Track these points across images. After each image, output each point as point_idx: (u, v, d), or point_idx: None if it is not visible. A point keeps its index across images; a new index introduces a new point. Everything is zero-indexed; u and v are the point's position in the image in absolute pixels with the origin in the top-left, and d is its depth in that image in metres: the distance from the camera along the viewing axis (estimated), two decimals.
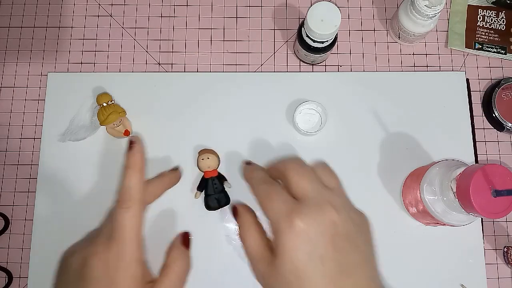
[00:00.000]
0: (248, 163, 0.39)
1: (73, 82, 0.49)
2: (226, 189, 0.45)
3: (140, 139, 0.37)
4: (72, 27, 0.52)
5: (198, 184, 0.45)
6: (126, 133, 0.46)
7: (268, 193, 0.33)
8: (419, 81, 0.49)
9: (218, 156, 0.46)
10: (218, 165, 0.46)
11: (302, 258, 0.29)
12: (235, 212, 0.36)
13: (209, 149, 0.46)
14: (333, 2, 0.49)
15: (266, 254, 0.32)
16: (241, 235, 0.34)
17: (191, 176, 0.46)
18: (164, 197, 0.46)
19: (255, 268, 0.33)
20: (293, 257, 0.29)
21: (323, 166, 0.36)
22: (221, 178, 0.45)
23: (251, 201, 0.46)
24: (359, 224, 0.32)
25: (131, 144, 0.36)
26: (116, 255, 0.32)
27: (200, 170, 0.45)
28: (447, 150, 0.47)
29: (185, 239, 0.36)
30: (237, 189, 0.46)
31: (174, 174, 0.40)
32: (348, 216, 0.32)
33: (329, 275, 0.29)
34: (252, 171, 0.37)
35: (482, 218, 0.46)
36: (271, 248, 0.32)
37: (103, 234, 0.34)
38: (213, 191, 0.44)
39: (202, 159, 0.45)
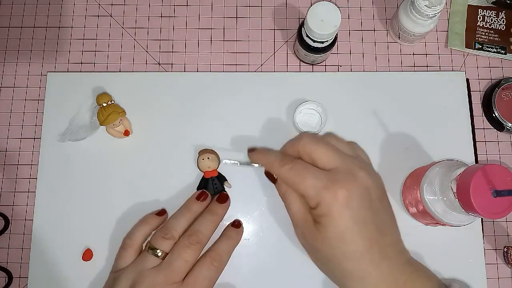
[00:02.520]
0: (252, 149, 0.41)
1: (73, 82, 0.49)
2: (226, 189, 0.45)
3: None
4: (72, 27, 0.52)
5: (198, 184, 0.45)
6: (126, 133, 0.46)
7: (298, 173, 0.36)
8: (419, 81, 0.49)
9: (218, 156, 0.46)
10: (219, 165, 0.46)
11: (347, 223, 0.33)
12: (272, 178, 0.39)
13: (209, 149, 0.46)
14: (333, 2, 0.49)
15: (309, 218, 0.35)
16: (285, 203, 0.38)
17: (190, 176, 0.46)
18: (163, 196, 0.46)
19: (299, 231, 0.37)
20: (338, 223, 0.33)
21: (334, 136, 0.40)
22: (221, 178, 0.45)
23: (250, 202, 0.46)
24: (382, 187, 0.37)
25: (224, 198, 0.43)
26: None
27: (200, 170, 0.45)
28: (447, 150, 0.47)
29: (237, 223, 0.44)
30: (238, 189, 0.46)
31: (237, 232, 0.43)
32: (375, 181, 0.36)
33: (370, 236, 0.33)
34: (265, 156, 0.40)
35: (482, 218, 0.46)
36: (311, 211, 0.35)
37: None
38: (213, 191, 0.45)
39: (202, 159, 0.45)
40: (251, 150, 0.43)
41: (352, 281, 0.34)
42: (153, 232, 0.42)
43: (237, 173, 0.47)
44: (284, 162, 0.37)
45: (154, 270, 0.38)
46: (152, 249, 0.39)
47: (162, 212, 0.44)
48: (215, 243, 0.41)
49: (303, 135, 0.38)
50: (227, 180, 0.46)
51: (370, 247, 0.33)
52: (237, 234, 0.43)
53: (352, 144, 0.41)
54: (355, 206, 0.33)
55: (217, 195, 0.44)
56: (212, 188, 0.45)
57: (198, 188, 0.45)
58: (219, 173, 0.45)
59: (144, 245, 0.42)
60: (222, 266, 0.40)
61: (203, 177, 0.45)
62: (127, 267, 0.39)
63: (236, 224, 0.44)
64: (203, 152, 0.45)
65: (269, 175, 0.41)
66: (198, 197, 0.43)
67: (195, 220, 0.41)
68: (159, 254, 0.39)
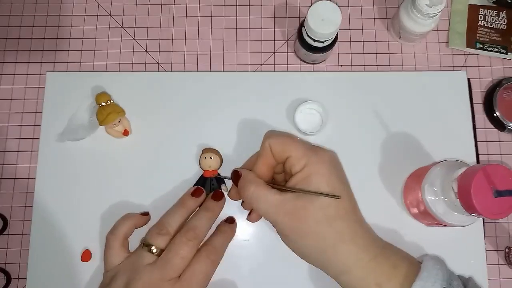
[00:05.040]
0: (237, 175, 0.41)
1: (72, 81, 0.49)
2: (222, 191, 0.45)
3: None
4: (71, 26, 0.52)
5: (196, 182, 0.45)
6: (125, 132, 0.46)
7: (285, 141, 0.39)
8: (420, 81, 0.49)
9: (221, 158, 0.45)
10: (219, 166, 0.45)
11: (334, 181, 0.37)
12: (236, 176, 0.40)
13: (213, 149, 0.46)
14: (333, 2, 0.49)
15: (286, 198, 0.36)
16: (257, 200, 0.37)
17: (190, 176, 0.46)
18: (162, 196, 0.46)
19: (280, 219, 0.36)
20: (327, 179, 0.36)
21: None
22: (219, 180, 0.45)
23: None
24: None
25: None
26: None
27: (201, 168, 0.45)
28: (448, 150, 0.47)
29: (230, 219, 0.44)
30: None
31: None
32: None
33: (352, 197, 0.38)
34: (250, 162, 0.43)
35: (483, 219, 0.46)
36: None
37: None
38: (210, 190, 0.44)
39: (205, 158, 0.44)
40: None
41: (343, 243, 0.35)
42: (136, 229, 0.43)
43: None
44: (266, 135, 0.40)
45: (150, 267, 0.37)
46: (147, 245, 0.39)
47: (145, 214, 0.44)
48: (209, 237, 0.41)
49: (268, 137, 0.39)
50: (225, 183, 0.45)
51: (354, 207, 0.37)
52: (231, 229, 0.43)
53: None
54: (337, 167, 0.38)
55: (212, 193, 0.44)
56: (209, 188, 0.44)
57: (195, 185, 0.45)
58: (218, 174, 0.45)
59: (139, 241, 0.42)
60: (218, 260, 0.40)
61: (202, 176, 0.45)
62: (122, 264, 0.39)
63: (230, 220, 0.44)
64: (207, 150, 0.45)
65: (235, 174, 0.40)
66: (193, 193, 0.42)
67: (189, 216, 0.41)
68: (154, 250, 0.38)
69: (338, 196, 0.35)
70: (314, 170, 0.36)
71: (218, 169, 0.45)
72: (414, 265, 0.36)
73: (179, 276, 0.38)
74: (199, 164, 0.45)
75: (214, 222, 0.42)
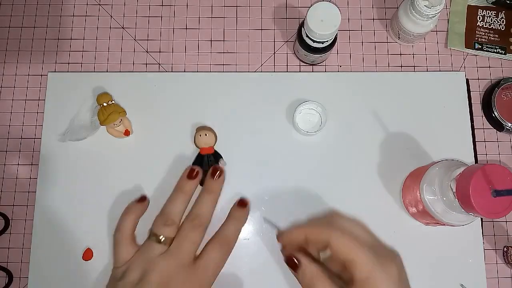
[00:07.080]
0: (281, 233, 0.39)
1: (73, 82, 0.49)
2: (221, 166, 0.46)
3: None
4: (72, 27, 0.52)
5: (193, 160, 0.46)
6: (126, 133, 0.47)
7: (351, 239, 0.35)
8: (419, 82, 0.49)
9: (215, 134, 0.46)
10: (215, 142, 0.46)
11: None
12: (294, 264, 0.36)
13: (206, 126, 0.47)
14: (333, 3, 0.49)
15: None
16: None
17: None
18: (163, 196, 0.46)
19: None
20: None
21: (356, 223, 0.38)
22: (216, 156, 0.46)
23: (251, 202, 0.46)
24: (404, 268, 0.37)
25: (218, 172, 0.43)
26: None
27: (197, 146, 0.46)
28: (447, 150, 0.47)
29: (242, 202, 0.44)
30: (238, 189, 0.46)
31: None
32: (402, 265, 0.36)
33: None
34: (303, 228, 0.38)
35: (481, 218, 0.47)
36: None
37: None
38: (208, 167, 0.45)
39: (200, 136, 0.45)
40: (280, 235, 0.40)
41: None
42: (140, 220, 0.43)
43: (235, 171, 0.47)
44: (332, 228, 0.36)
45: (163, 256, 0.38)
46: (156, 236, 0.39)
47: (143, 199, 0.45)
48: (222, 226, 0.42)
49: (332, 231, 0.36)
50: (222, 158, 0.46)
51: None
52: (244, 213, 0.44)
53: (362, 225, 0.39)
54: (403, 281, 0.34)
55: (210, 170, 0.43)
56: (208, 165, 0.45)
57: (193, 164, 0.45)
58: (215, 150, 0.46)
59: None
60: (231, 249, 0.41)
61: (199, 154, 0.46)
62: (133, 258, 0.40)
63: (242, 203, 0.44)
64: (201, 129, 0.46)
65: (290, 261, 0.36)
66: (189, 176, 0.43)
67: (191, 199, 0.42)
68: (164, 240, 0.39)
69: None
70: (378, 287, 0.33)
71: (214, 145, 0.46)
72: None
73: (194, 264, 0.38)
74: (194, 143, 0.46)
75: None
